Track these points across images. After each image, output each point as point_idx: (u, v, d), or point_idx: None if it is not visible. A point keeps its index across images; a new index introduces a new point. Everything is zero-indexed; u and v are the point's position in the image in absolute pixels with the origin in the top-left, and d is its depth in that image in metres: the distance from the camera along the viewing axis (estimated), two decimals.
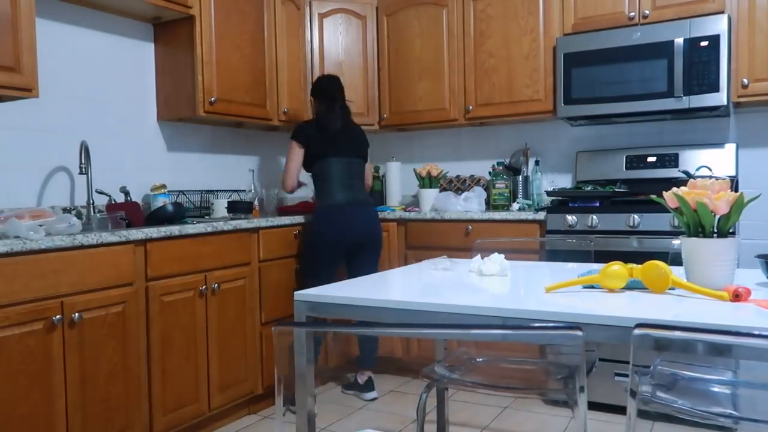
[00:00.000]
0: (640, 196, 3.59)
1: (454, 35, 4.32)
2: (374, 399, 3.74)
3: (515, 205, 4.15)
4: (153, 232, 2.91)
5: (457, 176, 4.70)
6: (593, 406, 3.43)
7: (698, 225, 1.78)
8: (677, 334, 1.28)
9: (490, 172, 4.43)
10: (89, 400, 2.64)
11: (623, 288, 1.81)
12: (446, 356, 2.41)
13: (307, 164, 3.78)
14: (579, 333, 1.24)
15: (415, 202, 4.70)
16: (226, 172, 4.27)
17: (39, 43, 3.07)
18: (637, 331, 1.28)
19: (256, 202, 4.10)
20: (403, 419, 3.46)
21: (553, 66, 3.98)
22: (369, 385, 3.75)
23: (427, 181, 4.48)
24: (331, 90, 3.79)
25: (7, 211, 2.75)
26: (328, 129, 3.72)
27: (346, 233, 3.66)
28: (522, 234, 3.78)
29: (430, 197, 4.38)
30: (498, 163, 4.42)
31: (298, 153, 3.74)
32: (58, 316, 2.49)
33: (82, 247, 2.60)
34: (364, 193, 3.86)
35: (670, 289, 1.76)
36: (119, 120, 3.58)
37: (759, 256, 1.97)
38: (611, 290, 1.80)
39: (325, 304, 1.88)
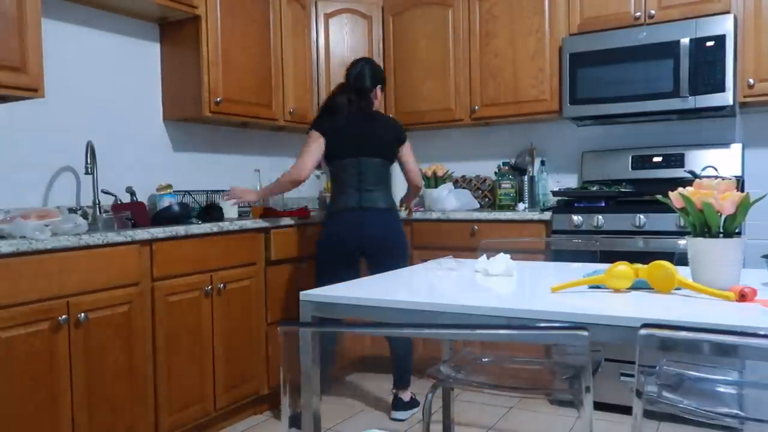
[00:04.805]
0: (646, 196, 3.59)
1: (460, 35, 4.32)
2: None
3: (521, 205, 4.15)
4: (159, 232, 2.92)
5: (463, 176, 4.70)
6: (599, 406, 3.42)
7: (704, 225, 1.78)
8: (683, 334, 1.28)
9: (495, 172, 4.43)
10: (95, 400, 2.64)
11: (629, 288, 1.81)
12: (452, 356, 2.41)
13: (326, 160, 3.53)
14: (585, 333, 1.24)
15: (419, 203, 4.70)
16: (232, 172, 4.28)
17: (45, 43, 3.08)
18: (642, 331, 1.28)
19: (262, 201, 4.11)
20: (408, 419, 3.46)
21: (558, 66, 3.97)
22: (413, 403, 3.56)
23: (433, 181, 4.48)
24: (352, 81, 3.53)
25: (13, 211, 2.76)
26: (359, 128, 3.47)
27: (347, 238, 3.42)
28: (528, 234, 3.77)
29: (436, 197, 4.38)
30: (504, 163, 4.42)
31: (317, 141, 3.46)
32: (63, 316, 2.50)
33: (87, 247, 2.61)
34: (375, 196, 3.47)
35: (675, 289, 1.76)
36: (125, 120, 3.59)
37: (765, 256, 1.97)
38: (617, 290, 1.80)
39: (331, 304, 1.89)
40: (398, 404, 3.52)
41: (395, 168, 3.78)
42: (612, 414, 3.37)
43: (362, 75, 3.52)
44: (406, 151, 3.61)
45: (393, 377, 3.58)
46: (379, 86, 3.59)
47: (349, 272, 3.37)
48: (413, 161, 3.65)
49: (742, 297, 1.60)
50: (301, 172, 3.43)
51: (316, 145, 3.43)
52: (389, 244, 3.45)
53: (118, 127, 3.55)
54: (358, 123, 3.47)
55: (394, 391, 3.57)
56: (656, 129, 4.06)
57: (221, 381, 3.27)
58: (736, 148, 3.76)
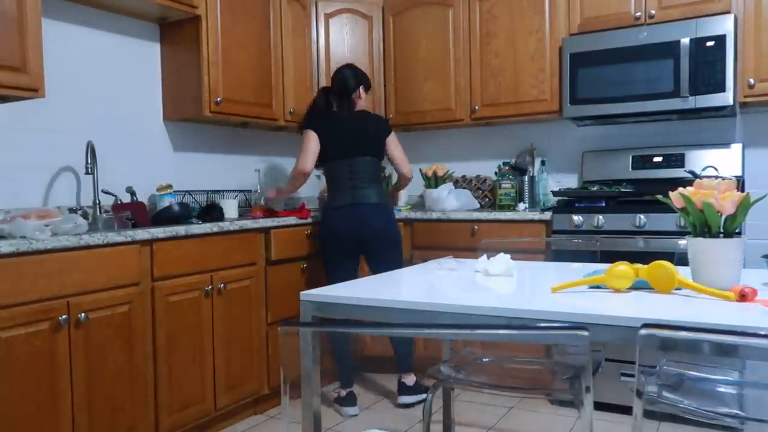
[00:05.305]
0: (646, 196, 3.59)
1: (460, 35, 4.32)
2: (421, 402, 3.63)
3: (521, 205, 4.15)
4: (159, 232, 2.92)
5: (463, 176, 4.70)
6: (599, 406, 3.42)
7: (704, 225, 1.78)
8: (683, 334, 1.28)
9: (496, 172, 4.43)
10: (95, 400, 2.65)
11: (629, 288, 1.81)
12: (452, 356, 2.41)
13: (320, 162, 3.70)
14: (585, 333, 1.24)
15: (420, 203, 4.70)
16: (232, 172, 4.28)
17: (45, 43, 3.08)
18: (643, 331, 1.28)
19: (262, 202, 4.11)
20: (409, 419, 3.46)
21: (559, 66, 3.97)
22: (419, 388, 3.64)
23: (433, 181, 4.48)
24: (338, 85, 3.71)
25: (14, 211, 2.76)
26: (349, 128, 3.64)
27: (344, 233, 3.57)
28: (528, 234, 3.77)
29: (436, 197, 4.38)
30: (504, 163, 4.41)
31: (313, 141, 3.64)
32: (64, 316, 2.50)
33: (88, 247, 2.61)
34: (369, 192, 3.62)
35: (676, 289, 1.76)
36: (125, 120, 3.59)
37: (765, 256, 1.97)
38: (617, 290, 1.80)
39: (332, 304, 1.89)
40: (402, 388, 3.63)
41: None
42: (612, 414, 3.37)
43: (345, 78, 3.72)
44: (392, 142, 3.75)
45: (397, 364, 3.72)
46: (362, 86, 3.75)
47: (352, 265, 3.64)
48: (400, 151, 3.78)
49: (743, 297, 1.60)
50: (305, 167, 3.64)
51: (315, 142, 3.63)
52: (383, 237, 3.62)
53: (118, 127, 3.55)
54: (348, 124, 3.66)
55: (399, 377, 3.67)
56: (656, 129, 4.06)
57: (221, 381, 3.27)
58: (737, 148, 3.76)
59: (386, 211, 3.67)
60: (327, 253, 3.64)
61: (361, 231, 3.56)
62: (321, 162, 3.68)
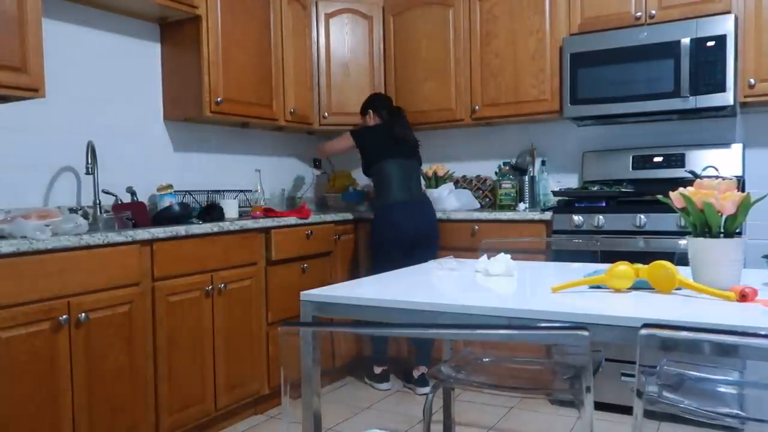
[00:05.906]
0: (647, 196, 3.59)
1: (460, 35, 4.32)
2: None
3: (521, 205, 4.15)
4: (159, 232, 2.92)
5: (464, 176, 4.70)
6: (599, 406, 3.42)
7: (705, 225, 1.78)
8: (683, 334, 1.28)
9: (496, 172, 4.42)
10: (95, 400, 2.64)
11: (630, 288, 1.81)
12: (452, 356, 2.41)
13: (367, 167, 4.05)
14: (585, 333, 1.24)
15: None
16: (232, 172, 4.28)
17: (45, 43, 3.07)
18: (643, 331, 1.28)
19: (262, 202, 4.11)
20: (409, 419, 3.46)
21: (559, 66, 3.97)
22: (423, 380, 3.88)
23: (434, 181, 4.48)
24: (390, 103, 4.19)
25: (14, 211, 2.76)
26: (396, 136, 3.99)
27: (402, 227, 3.85)
28: (528, 234, 3.77)
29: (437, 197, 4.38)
30: (504, 163, 4.41)
31: (349, 143, 4.08)
32: (64, 316, 2.50)
33: (88, 247, 2.61)
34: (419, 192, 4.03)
35: (676, 289, 1.76)
36: (126, 120, 3.59)
37: (765, 257, 1.97)
38: (617, 290, 1.80)
39: (332, 304, 1.89)
40: (420, 381, 3.91)
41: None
42: (612, 414, 3.37)
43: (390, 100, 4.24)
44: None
45: (413, 357, 4.01)
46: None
47: (407, 258, 3.76)
48: None
49: (743, 297, 1.60)
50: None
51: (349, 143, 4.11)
52: (434, 233, 3.95)
53: (118, 127, 3.55)
54: (397, 133, 3.99)
55: (412, 368, 3.97)
56: (657, 129, 4.06)
57: (222, 381, 3.27)
58: (737, 148, 3.75)
59: (434, 209, 4.03)
60: (384, 248, 3.90)
61: (417, 226, 3.88)
62: (370, 165, 4.01)
